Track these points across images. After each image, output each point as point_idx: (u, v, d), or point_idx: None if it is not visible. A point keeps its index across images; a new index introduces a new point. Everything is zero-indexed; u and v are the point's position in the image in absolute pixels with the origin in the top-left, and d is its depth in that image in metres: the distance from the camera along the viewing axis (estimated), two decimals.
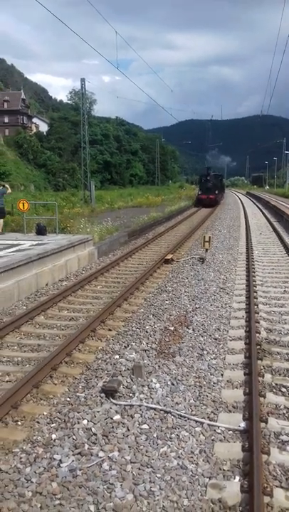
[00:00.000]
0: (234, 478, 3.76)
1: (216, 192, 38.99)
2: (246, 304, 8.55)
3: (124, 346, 6.53)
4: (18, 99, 75.88)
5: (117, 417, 4.60)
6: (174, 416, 4.64)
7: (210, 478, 3.76)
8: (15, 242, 12.90)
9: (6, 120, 72.77)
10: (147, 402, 4.87)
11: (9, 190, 16.72)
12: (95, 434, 4.29)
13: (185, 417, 4.62)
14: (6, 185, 17.04)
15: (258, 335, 6.89)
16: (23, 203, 15.56)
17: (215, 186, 39.47)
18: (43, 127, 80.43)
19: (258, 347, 6.40)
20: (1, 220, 15.40)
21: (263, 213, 31.07)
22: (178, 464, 3.91)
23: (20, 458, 4.01)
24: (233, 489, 3.60)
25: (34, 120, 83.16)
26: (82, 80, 39.60)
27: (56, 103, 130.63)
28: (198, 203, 38.40)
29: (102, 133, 77.06)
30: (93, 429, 4.36)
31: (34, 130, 78.16)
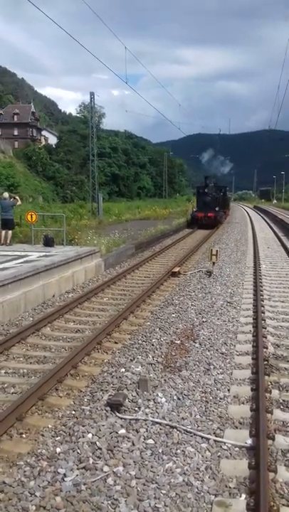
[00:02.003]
0: (240, 496, 3.70)
1: (217, 209, 30.00)
2: (253, 319, 8.50)
3: (130, 359, 6.50)
4: (28, 112, 76.89)
5: (122, 431, 4.56)
6: (179, 431, 4.59)
7: (216, 495, 3.70)
8: (22, 254, 12.97)
9: (16, 133, 73.69)
10: (153, 417, 4.83)
11: (19, 202, 16.88)
12: (100, 449, 4.25)
13: (191, 433, 4.57)
14: (17, 197, 17.20)
15: (265, 350, 6.83)
16: (31, 215, 15.69)
17: (215, 201, 30.78)
18: (52, 140, 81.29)
19: (266, 362, 6.34)
20: (10, 232, 15.50)
21: (270, 227, 31.01)
22: (183, 480, 3.86)
23: (25, 471, 3.98)
24: (239, 507, 3.54)
25: (43, 133, 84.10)
26: (92, 94, 40.12)
27: (65, 116, 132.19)
28: (193, 222, 30.09)
29: (110, 146, 77.71)
30: (98, 443, 4.32)
31: (43, 143, 78.99)
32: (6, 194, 16.59)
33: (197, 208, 31.14)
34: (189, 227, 30.01)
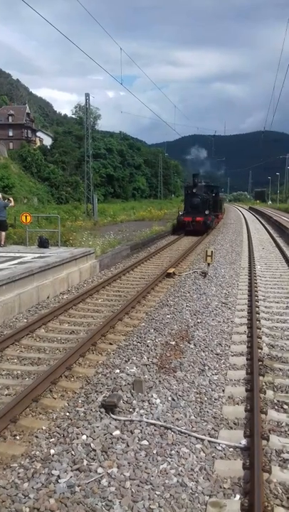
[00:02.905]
0: (234, 497, 3.70)
1: (207, 212, 25.91)
2: (248, 319, 8.51)
3: (125, 360, 6.49)
4: (23, 113, 76.72)
5: (116, 432, 4.55)
6: (174, 432, 4.59)
7: (210, 496, 3.70)
8: (17, 255, 12.93)
9: (11, 134, 73.49)
10: (147, 418, 4.82)
11: (12, 204, 16.81)
12: (94, 450, 4.23)
13: (185, 434, 4.56)
14: (10, 198, 17.14)
15: (260, 351, 6.84)
16: (26, 216, 15.64)
17: (205, 203, 26.80)
18: (47, 141, 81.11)
19: (260, 363, 6.35)
20: (4, 233, 15.44)
21: (265, 228, 31.09)
22: (178, 481, 3.85)
23: (18, 473, 3.96)
24: (233, 508, 3.54)
25: (38, 134, 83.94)
26: (87, 95, 40.10)
27: (60, 117, 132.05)
28: (180, 227, 26.22)
29: (105, 147, 77.65)
30: (92, 445, 4.31)
31: (38, 144, 78.81)
32: None
33: (184, 211, 26.84)
34: (174, 233, 26.27)
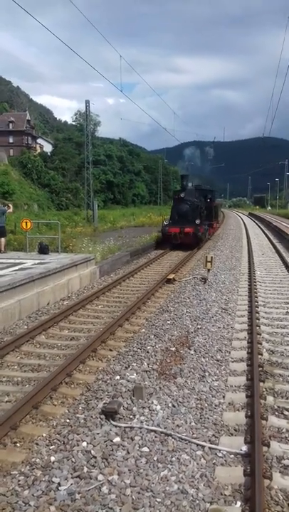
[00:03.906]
0: (235, 504, 3.69)
1: (198, 221, 21.28)
2: (248, 325, 8.51)
3: (125, 367, 6.48)
4: (24, 120, 77.03)
5: (117, 439, 4.54)
6: (174, 439, 4.58)
7: (211, 503, 3.69)
8: (17, 261, 12.94)
9: (11, 140, 73.72)
10: (148, 425, 4.81)
11: (10, 210, 16.89)
12: (95, 457, 4.23)
13: (186, 440, 4.55)
14: (9, 205, 17.21)
15: (260, 356, 6.84)
16: (26, 222, 15.69)
17: (195, 210, 22.17)
18: (48, 148, 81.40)
19: (260, 369, 6.35)
20: (3, 239, 15.48)
21: (265, 234, 31.13)
22: (178, 488, 3.84)
23: (19, 480, 3.95)
24: None
25: (39, 141, 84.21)
26: (87, 102, 40.34)
27: (61, 124, 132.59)
28: (165, 240, 21.61)
29: (105, 153, 77.92)
30: (93, 452, 4.30)
31: (38, 150, 79.07)
32: None
33: (170, 221, 22.08)
34: (158, 248, 21.62)
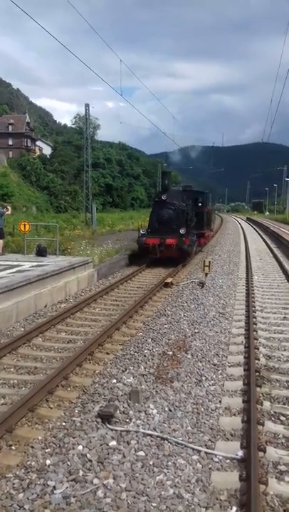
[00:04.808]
0: (231, 509, 3.68)
1: (183, 231, 16.98)
2: (245, 330, 8.51)
3: (122, 370, 6.47)
4: (23, 122, 77.13)
5: (112, 443, 4.53)
6: (170, 443, 4.57)
7: (206, 508, 3.67)
8: (15, 263, 12.93)
9: (11, 142, 73.79)
10: (144, 429, 4.80)
11: (8, 212, 16.88)
12: (90, 461, 4.21)
13: (182, 445, 4.54)
14: (8, 207, 17.21)
15: (257, 361, 6.84)
16: (25, 225, 15.70)
17: (180, 217, 17.83)
18: (47, 150, 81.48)
19: (257, 374, 6.34)
20: (1, 241, 15.46)
21: (263, 239, 31.19)
22: (174, 492, 3.83)
23: (13, 483, 3.93)
24: None
25: (38, 143, 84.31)
26: (87, 105, 40.36)
27: (60, 127, 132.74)
28: (143, 253, 17.52)
29: (104, 157, 78.03)
30: (88, 455, 4.28)
31: (38, 153, 79.16)
32: None
33: (148, 229, 17.87)
34: (133, 264, 17.37)
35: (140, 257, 17.87)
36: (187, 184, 26.34)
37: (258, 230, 42.64)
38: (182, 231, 16.90)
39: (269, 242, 28.35)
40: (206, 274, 13.20)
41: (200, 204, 22.11)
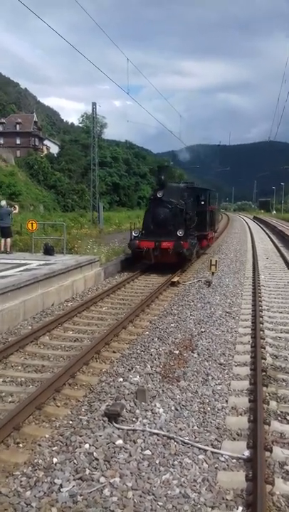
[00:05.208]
0: (237, 509, 3.68)
1: (181, 233, 15.28)
2: (252, 329, 8.49)
3: (129, 369, 6.49)
4: (31, 121, 77.45)
5: (119, 441, 4.54)
6: (177, 442, 4.58)
7: (212, 507, 3.68)
8: (22, 262, 12.99)
9: (18, 142, 74.15)
10: (150, 427, 4.81)
11: (16, 211, 16.96)
12: (97, 459, 4.23)
13: (188, 444, 4.55)
14: (15, 206, 17.30)
15: (263, 361, 6.82)
16: (32, 223, 15.77)
17: (178, 216, 16.00)
18: (54, 149, 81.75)
19: (264, 373, 6.33)
20: (9, 240, 15.55)
21: (269, 238, 31.06)
22: (180, 492, 3.84)
23: (21, 481, 3.96)
24: None
25: (45, 142, 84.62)
26: (94, 104, 40.47)
27: (67, 126, 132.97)
28: (136, 259, 16.20)
29: (111, 156, 78.09)
30: (95, 454, 4.30)
31: (45, 152, 79.45)
32: (3, 202, 16.68)
33: (142, 231, 16.13)
34: (126, 269, 15.81)
35: (133, 262, 16.31)
36: (188, 181, 23.99)
37: (264, 228, 42.45)
38: (180, 233, 15.20)
39: (276, 241, 28.23)
40: (213, 273, 13.19)
41: (202, 202, 19.73)
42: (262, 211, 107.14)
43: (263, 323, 8.92)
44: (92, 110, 41.06)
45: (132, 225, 17.51)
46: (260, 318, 9.16)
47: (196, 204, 18.82)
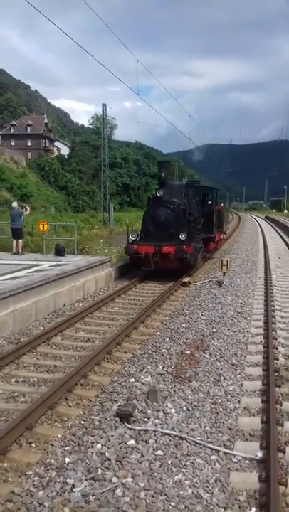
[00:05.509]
0: (250, 510, 3.65)
1: (183, 236, 13.75)
2: (264, 330, 8.43)
3: (140, 369, 6.49)
4: (41, 123, 77.96)
5: (131, 442, 4.54)
6: (189, 443, 4.56)
7: (225, 508, 3.65)
8: (34, 263, 13.07)
9: (29, 143, 74.72)
10: (162, 428, 4.80)
11: (27, 212, 17.09)
12: (109, 459, 4.23)
13: (200, 444, 4.53)
14: (27, 207, 17.42)
15: (276, 361, 6.77)
16: (43, 224, 15.86)
17: (181, 218, 14.48)
18: (65, 151, 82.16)
19: (276, 374, 6.28)
20: (20, 241, 15.66)
21: (281, 237, 30.81)
22: (192, 492, 3.82)
23: (33, 481, 3.98)
24: None
25: (56, 144, 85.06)
26: (104, 105, 40.59)
27: (78, 127, 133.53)
28: (135, 265, 14.50)
29: (121, 156, 78.24)
30: (107, 454, 4.31)
31: (56, 153, 79.87)
32: (14, 204, 16.83)
33: (141, 234, 14.66)
34: (123, 277, 14.50)
35: (131, 269, 14.80)
36: (193, 180, 22.32)
37: (276, 228, 42.12)
38: (183, 236, 13.68)
39: (288, 240, 27.99)
40: (224, 273, 13.12)
41: (209, 202, 18.39)
42: (273, 210, 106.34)
43: (275, 324, 8.85)
44: (102, 111, 41.18)
45: (128, 227, 16.39)
46: (273, 319, 9.09)
47: (201, 204, 17.69)
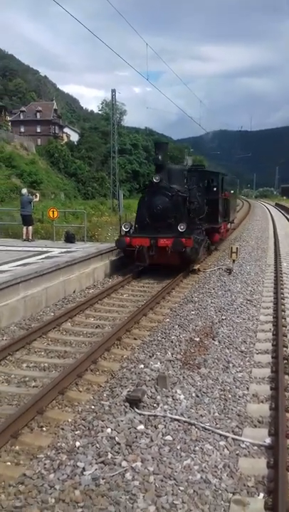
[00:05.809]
0: (258, 495, 3.68)
1: (182, 228, 12.13)
2: (274, 317, 8.41)
3: (149, 356, 6.53)
4: (51, 109, 77.60)
5: (140, 427, 4.59)
6: (198, 428, 4.60)
7: (234, 493, 3.69)
8: (44, 249, 13.13)
9: (39, 130, 74.51)
10: (171, 414, 4.84)
11: (37, 199, 17.12)
12: (119, 444, 4.29)
13: (209, 430, 4.57)
14: (36, 194, 17.44)
15: (285, 349, 6.76)
16: (53, 211, 15.90)
17: (180, 207, 12.81)
18: (74, 137, 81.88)
19: (285, 361, 6.28)
20: (30, 227, 15.72)
21: None
22: (201, 477, 3.86)
23: (45, 464, 4.05)
24: (257, 506, 3.53)
25: (65, 130, 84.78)
26: (113, 91, 40.35)
27: (87, 113, 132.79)
28: (127, 257, 13.06)
29: (131, 143, 77.81)
30: (117, 438, 4.36)
31: (65, 140, 79.65)
32: (24, 190, 16.86)
33: (136, 225, 13.32)
34: (116, 272, 13.19)
35: (128, 261, 13.28)
36: (197, 164, 19.80)
37: (287, 215, 41.73)
38: (182, 227, 12.21)
39: None
40: (234, 261, 13.08)
41: (214, 189, 16.33)
42: (284, 198, 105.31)
43: (284, 311, 8.82)
44: (112, 97, 40.94)
45: (120, 217, 14.40)
46: (282, 306, 9.06)
47: (205, 191, 15.66)
